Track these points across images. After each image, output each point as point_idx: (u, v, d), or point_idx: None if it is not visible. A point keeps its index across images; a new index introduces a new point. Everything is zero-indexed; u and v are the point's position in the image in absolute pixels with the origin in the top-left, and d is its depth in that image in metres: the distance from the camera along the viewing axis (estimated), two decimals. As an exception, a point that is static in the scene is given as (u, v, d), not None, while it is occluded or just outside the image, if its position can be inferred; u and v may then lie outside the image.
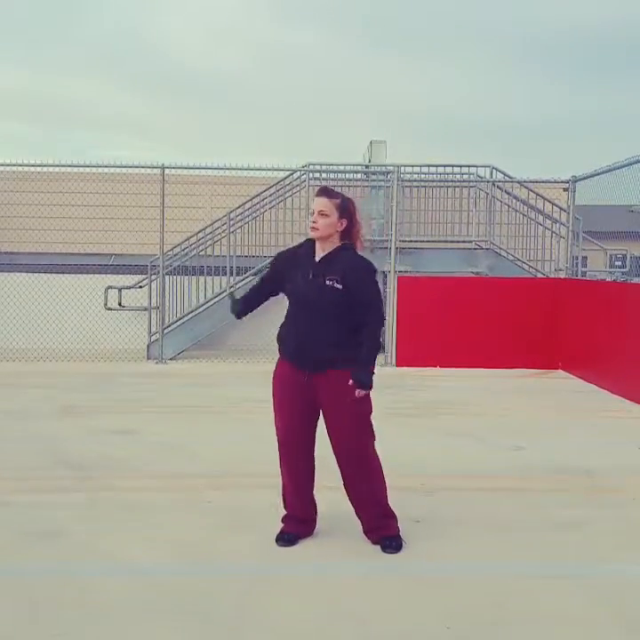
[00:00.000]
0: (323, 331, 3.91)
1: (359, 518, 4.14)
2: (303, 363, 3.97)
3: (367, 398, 3.97)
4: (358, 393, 3.90)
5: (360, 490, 4.06)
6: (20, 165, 11.54)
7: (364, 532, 4.13)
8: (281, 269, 4.14)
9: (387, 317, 10.98)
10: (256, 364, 10.39)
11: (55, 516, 4.50)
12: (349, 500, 4.12)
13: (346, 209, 3.98)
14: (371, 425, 4.03)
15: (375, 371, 3.96)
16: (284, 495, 4.20)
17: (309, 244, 4.07)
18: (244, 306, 4.32)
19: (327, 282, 3.89)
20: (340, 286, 3.88)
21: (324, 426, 4.04)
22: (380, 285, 12.10)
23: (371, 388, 3.93)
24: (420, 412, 7.74)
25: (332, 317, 3.90)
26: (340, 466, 4.06)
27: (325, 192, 4.02)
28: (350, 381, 3.88)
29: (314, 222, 3.94)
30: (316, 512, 4.20)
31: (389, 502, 4.11)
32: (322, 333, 3.91)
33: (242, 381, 9.36)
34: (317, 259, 3.99)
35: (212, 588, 3.59)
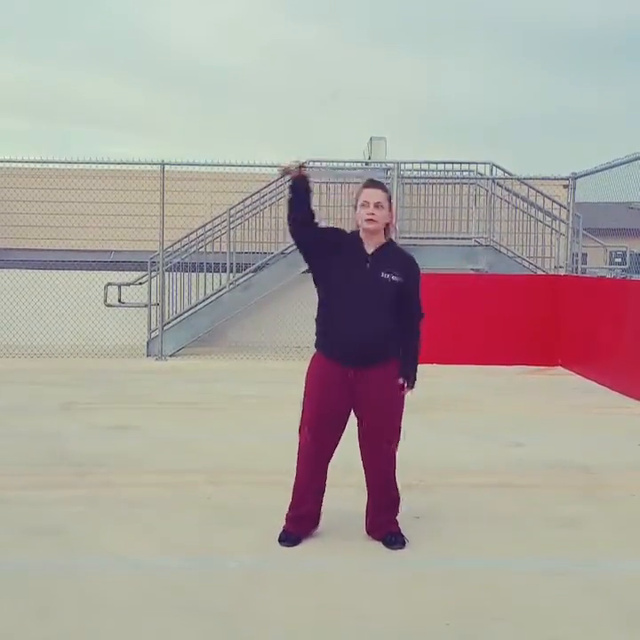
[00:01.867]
0: (379, 323, 3.89)
1: (368, 514, 4.13)
2: (354, 357, 3.91)
3: (403, 397, 4.03)
4: (406, 391, 3.97)
5: (380, 486, 4.07)
6: (19, 162, 11.51)
7: (368, 528, 4.13)
8: (332, 243, 3.99)
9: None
10: (256, 361, 10.40)
11: (55, 512, 4.51)
12: (369, 496, 4.12)
13: (391, 201, 4.03)
14: (401, 425, 4.07)
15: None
16: (294, 494, 4.14)
17: (354, 236, 4.01)
18: (308, 214, 4.05)
19: (383, 274, 3.88)
20: (397, 279, 3.89)
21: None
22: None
23: (415, 385, 4.01)
24: (419, 408, 7.71)
25: (388, 310, 3.90)
26: (367, 460, 4.06)
27: (379, 184, 4.03)
28: (400, 379, 3.94)
29: (372, 214, 3.89)
30: (320, 512, 4.17)
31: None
32: (379, 325, 3.89)
33: (242, 378, 9.37)
34: (370, 251, 3.95)
35: (212, 584, 3.60)
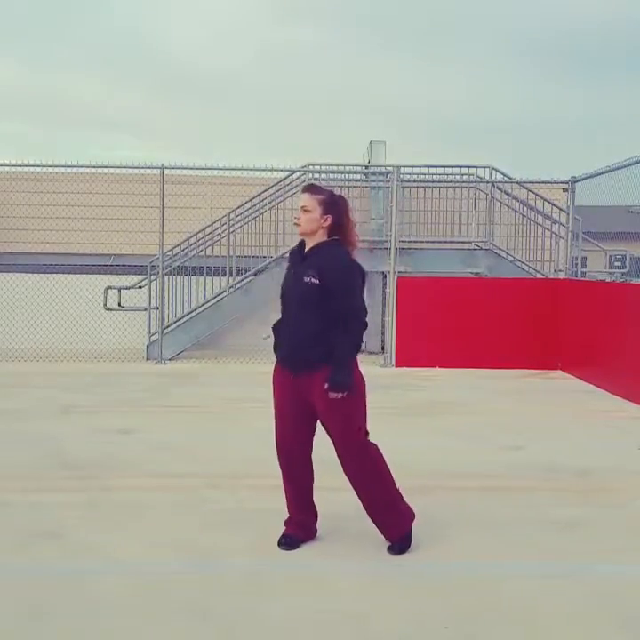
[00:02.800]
0: (301, 328, 3.86)
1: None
2: (287, 362, 3.97)
3: (352, 398, 3.81)
4: (334, 395, 3.75)
5: (364, 490, 4.01)
6: (20, 165, 11.55)
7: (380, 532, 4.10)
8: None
9: (387, 318, 11.02)
10: (255, 365, 10.39)
11: (55, 515, 4.51)
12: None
13: (333, 205, 3.91)
14: (360, 425, 3.92)
15: (361, 369, 3.91)
16: (286, 498, 4.17)
17: (301, 243, 4.05)
18: None
19: (305, 278, 3.85)
20: (316, 281, 3.81)
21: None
22: (379, 286, 12.07)
23: (347, 388, 3.76)
24: (419, 411, 7.74)
25: (310, 314, 3.83)
26: (342, 467, 4.03)
27: (309, 188, 4.03)
28: (325, 384, 3.76)
29: (297, 218, 3.96)
30: (315, 518, 4.17)
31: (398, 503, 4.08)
32: (300, 331, 3.87)
33: (241, 382, 9.36)
34: (303, 256, 3.99)
35: (210, 587, 3.60)
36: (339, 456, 3.98)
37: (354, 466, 3.97)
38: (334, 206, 3.92)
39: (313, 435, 4.07)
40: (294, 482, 4.11)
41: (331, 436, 3.98)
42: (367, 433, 3.99)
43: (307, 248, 3.98)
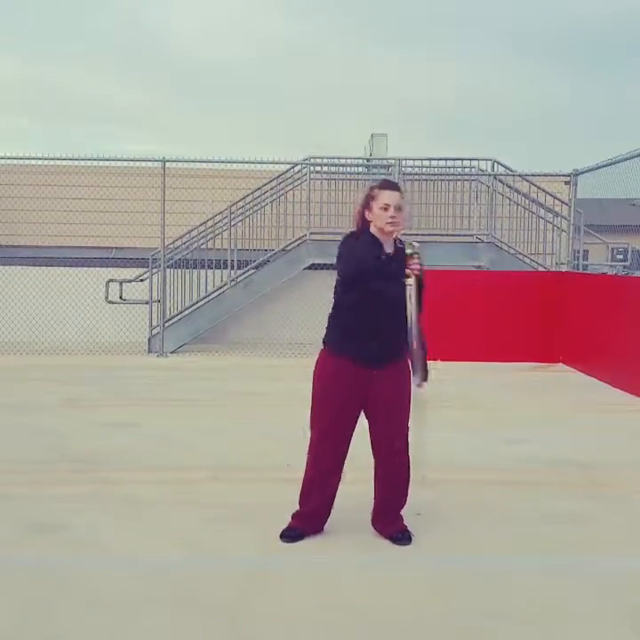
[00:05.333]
0: (401, 325, 3.87)
1: (376, 509, 4.13)
2: (378, 359, 3.92)
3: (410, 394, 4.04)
4: (422, 385, 3.94)
5: (396, 483, 4.06)
6: (21, 158, 11.53)
7: (376, 524, 4.13)
8: (365, 257, 3.90)
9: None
10: (257, 358, 10.39)
11: (56, 508, 4.51)
12: (379, 492, 4.11)
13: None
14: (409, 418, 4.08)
15: None
16: (303, 490, 4.10)
17: (367, 237, 3.92)
18: None
19: (402, 278, 3.85)
20: (412, 283, 3.86)
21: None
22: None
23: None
24: (419, 405, 7.72)
25: (404, 312, 3.87)
26: (381, 457, 4.04)
27: (395, 186, 3.96)
28: (419, 375, 3.91)
29: (394, 217, 3.83)
30: (328, 514, 4.15)
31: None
32: (401, 328, 3.88)
33: (243, 375, 9.37)
34: (390, 254, 3.89)
35: (212, 581, 3.60)
36: (393, 447, 4.00)
37: (405, 456, 4.05)
38: None
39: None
40: (331, 482, 4.06)
41: (387, 425, 3.99)
42: None
43: (386, 247, 3.89)
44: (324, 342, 4.07)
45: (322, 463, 4.04)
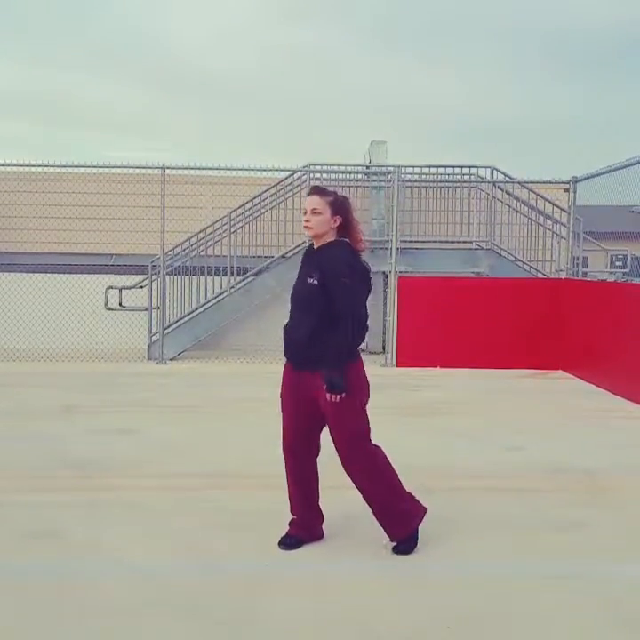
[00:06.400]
0: (303, 328, 3.91)
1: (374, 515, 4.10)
2: (292, 360, 4.05)
3: (351, 399, 3.81)
4: (330, 397, 3.76)
5: (366, 490, 4.01)
6: (21, 165, 11.54)
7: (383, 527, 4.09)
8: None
9: (388, 317, 11.00)
10: (257, 365, 10.40)
11: (55, 515, 4.50)
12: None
13: (340, 206, 3.96)
14: (361, 425, 3.93)
15: (367, 370, 3.98)
16: (290, 499, 4.15)
17: (309, 246, 4.11)
18: None
19: (308, 279, 3.90)
20: (315, 282, 3.85)
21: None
22: (380, 286, 12.03)
23: (342, 389, 3.76)
24: (420, 411, 7.74)
25: (311, 315, 3.87)
26: (343, 467, 4.02)
27: (317, 190, 4.03)
28: (324, 385, 3.80)
29: (307, 221, 3.94)
30: (321, 520, 4.16)
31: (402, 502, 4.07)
32: (302, 331, 3.91)
33: (242, 381, 9.37)
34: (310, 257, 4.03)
35: (212, 588, 3.59)
36: (340, 455, 3.97)
37: (355, 466, 3.97)
38: (342, 207, 3.97)
39: (319, 435, 4.07)
40: (300, 483, 4.10)
41: (332, 435, 3.97)
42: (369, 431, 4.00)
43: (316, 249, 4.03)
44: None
45: (288, 469, 4.10)
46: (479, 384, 9.39)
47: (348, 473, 4.01)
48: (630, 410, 7.98)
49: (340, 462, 4.00)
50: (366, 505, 4.07)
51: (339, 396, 3.77)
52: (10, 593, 3.53)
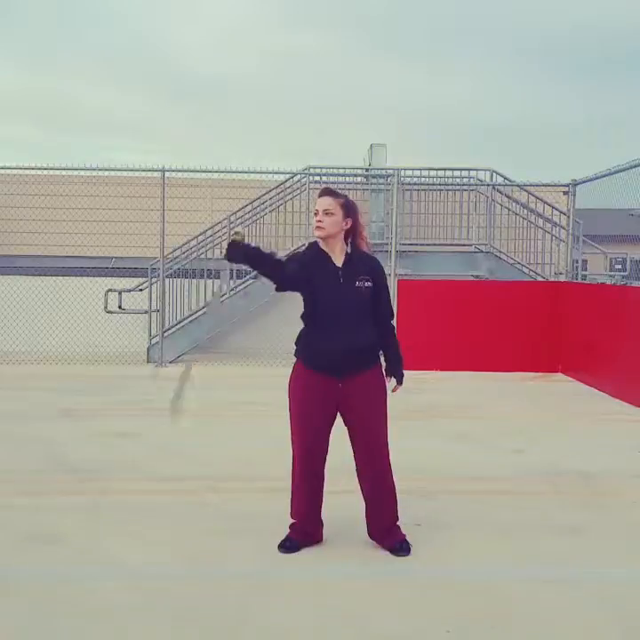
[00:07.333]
0: (362, 333, 3.97)
1: (370, 521, 4.12)
2: (341, 369, 3.94)
3: (386, 398, 4.10)
4: (396, 388, 4.15)
5: (382, 491, 4.05)
6: (21, 168, 11.54)
7: (373, 535, 4.12)
8: (309, 270, 3.97)
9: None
10: (256, 367, 10.39)
11: (55, 519, 4.50)
12: (366, 503, 4.10)
13: (351, 209, 4.00)
14: (387, 427, 4.11)
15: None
16: (292, 504, 4.14)
17: (315, 249, 4.03)
18: (292, 281, 3.96)
19: (357, 283, 3.93)
20: (371, 285, 3.96)
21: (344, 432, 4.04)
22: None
23: (402, 381, 4.22)
24: (420, 415, 7.73)
25: (366, 318, 3.99)
26: (362, 467, 4.05)
27: (329, 192, 4.05)
28: (390, 379, 4.15)
29: (319, 221, 3.94)
30: (321, 524, 4.16)
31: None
32: (362, 336, 3.97)
33: (242, 384, 9.36)
34: (339, 263, 3.97)
35: (212, 592, 3.59)
36: (364, 454, 4.01)
37: (382, 464, 4.05)
38: (352, 209, 4.02)
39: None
40: (314, 492, 4.08)
41: (364, 435, 4.01)
42: None
43: (335, 255, 3.97)
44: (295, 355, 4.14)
45: (304, 478, 4.06)
46: (479, 387, 9.39)
47: (374, 473, 4.03)
48: (630, 412, 7.98)
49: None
50: (361, 509, 4.09)
51: (399, 388, 4.20)
52: (9, 597, 3.53)
